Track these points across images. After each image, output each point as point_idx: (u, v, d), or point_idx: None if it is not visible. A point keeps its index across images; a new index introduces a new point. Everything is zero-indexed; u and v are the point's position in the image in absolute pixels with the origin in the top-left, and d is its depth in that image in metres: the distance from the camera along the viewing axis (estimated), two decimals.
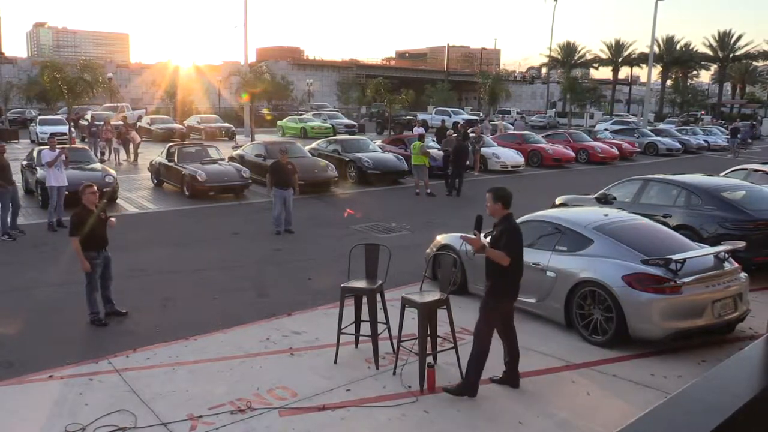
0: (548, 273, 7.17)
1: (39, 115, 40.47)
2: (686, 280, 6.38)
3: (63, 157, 13.13)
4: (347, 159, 19.93)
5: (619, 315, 6.46)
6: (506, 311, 5.78)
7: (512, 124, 42.68)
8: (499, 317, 5.70)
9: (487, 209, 5.70)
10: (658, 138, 32.59)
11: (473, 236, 5.52)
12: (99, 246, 7.54)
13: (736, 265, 7.06)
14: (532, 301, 7.31)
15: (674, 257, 6.49)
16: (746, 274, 7.12)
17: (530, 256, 6.88)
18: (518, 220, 8.10)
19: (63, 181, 12.92)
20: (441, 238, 8.82)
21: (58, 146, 13.83)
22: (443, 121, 40.56)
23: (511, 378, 5.80)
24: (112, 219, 7.90)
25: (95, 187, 7.79)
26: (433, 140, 25.32)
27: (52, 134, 17.25)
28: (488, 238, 5.75)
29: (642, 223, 7.85)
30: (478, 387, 5.57)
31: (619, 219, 7.77)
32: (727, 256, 7.03)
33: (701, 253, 6.93)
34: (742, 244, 7.33)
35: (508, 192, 5.74)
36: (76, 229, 7.36)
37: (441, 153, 20.00)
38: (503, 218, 5.63)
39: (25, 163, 17.27)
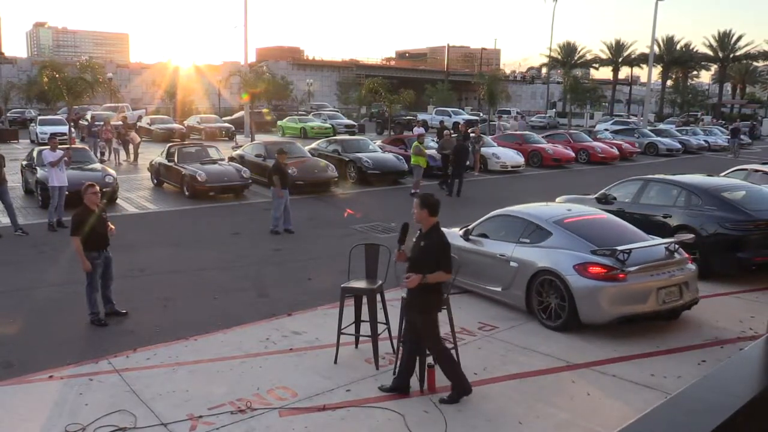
0: (512, 263, 7.67)
1: (39, 115, 40.46)
2: (632, 269, 6.80)
3: (66, 157, 13.17)
4: (347, 159, 19.93)
5: (571, 301, 6.93)
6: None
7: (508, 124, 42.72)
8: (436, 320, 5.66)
9: (414, 216, 5.59)
10: (659, 138, 32.59)
11: (411, 279, 5.37)
12: (100, 246, 7.54)
13: (686, 256, 7.49)
14: (498, 289, 7.85)
15: (620, 248, 6.90)
16: (695, 265, 7.55)
17: (497, 247, 7.89)
18: (489, 215, 8.76)
19: (64, 181, 12.94)
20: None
21: (60, 147, 13.85)
22: (442, 122, 40.57)
23: (403, 386, 5.66)
24: (112, 227, 7.85)
25: (97, 188, 7.78)
26: (434, 140, 25.34)
27: (53, 134, 17.02)
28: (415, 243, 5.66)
29: (601, 217, 8.29)
30: (468, 381, 5.57)
31: (580, 214, 8.23)
32: (676, 247, 7.42)
33: (647, 244, 7.32)
34: (690, 236, 8.01)
35: (435, 199, 5.63)
36: (77, 229, 7.35)
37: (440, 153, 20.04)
38: (431, 229, 5.50)
39: (25, 163, 17.25)
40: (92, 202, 7.55)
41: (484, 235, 8.37)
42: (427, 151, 18.95)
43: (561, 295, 7.06)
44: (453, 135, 21.21)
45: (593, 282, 6.80)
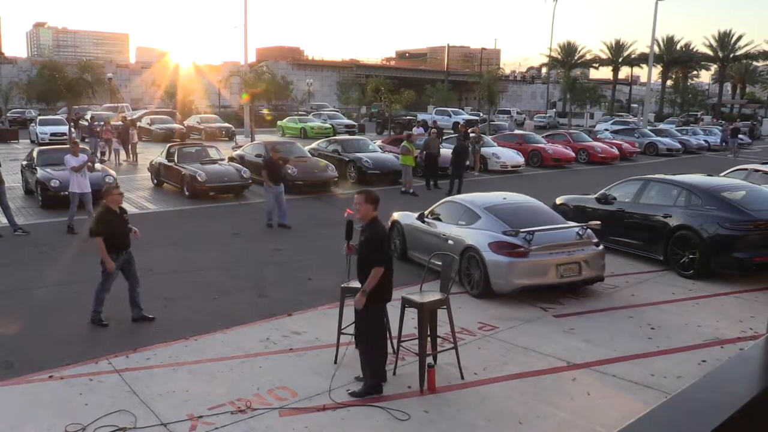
0: (449, 241, 8.90)
1: (39, 115, 40.46)
2: (534, 247, 8.00)
3: (89, 162, 12.88)
4: (347, 159, 19.93)
5: (485, 273, 8.17)
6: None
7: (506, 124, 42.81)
8: (384, 316, 5.79)
9: (358, 212, 5.68)
10: (658, 138, 32.57)
11: (357, 300, 5.49)
12: (120, 248, 7.44)
13: (594, 240, 8.57)
14: (440, 263, 8.52)
15: (523, 230, 8.11)
16: (600, 247, 8.60)
17: (442, 228, 9.35)
18: (440, 201, 10.04)
19: (86, 187, 12.44)
20: (396, 216, 10.68)
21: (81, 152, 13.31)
22: (435, 122, 40.57)
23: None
24: (136, 230, 7.83)
25: (120, 188, 7.84)
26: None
27: (74, 141, 15.74)
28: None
29: (529, 205, 9.54)
30: (380, 384, 5.64)
31: (510, 202, 9.52)
32: (583, 231, 8.51)
33: (551, 227, 8.53)
34: (597, 223, 8.84)
35: (377, 194, 5.88)
36: (100, 229, 7.27)
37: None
38: (370, 222, 5.63)
39: (25, 163, 17.26)
40: (115, 203, 7.49)
41: (438, 218, 9.67)
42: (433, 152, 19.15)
43: (479, 267, 8.26)
44: (434, 133, 21.74)
45: (501, 257, 8.03)
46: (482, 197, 9.93)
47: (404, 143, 18.68)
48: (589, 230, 8.59)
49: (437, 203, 10.17)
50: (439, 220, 9.62)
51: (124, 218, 7.61)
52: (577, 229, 8.55)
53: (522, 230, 8.12)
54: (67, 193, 14.68)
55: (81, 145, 15.05)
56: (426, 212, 9.99)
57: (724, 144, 34.35)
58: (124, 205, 8.10)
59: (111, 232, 7.30)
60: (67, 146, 21.08)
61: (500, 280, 8.07)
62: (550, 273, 8.02)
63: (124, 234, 7.50)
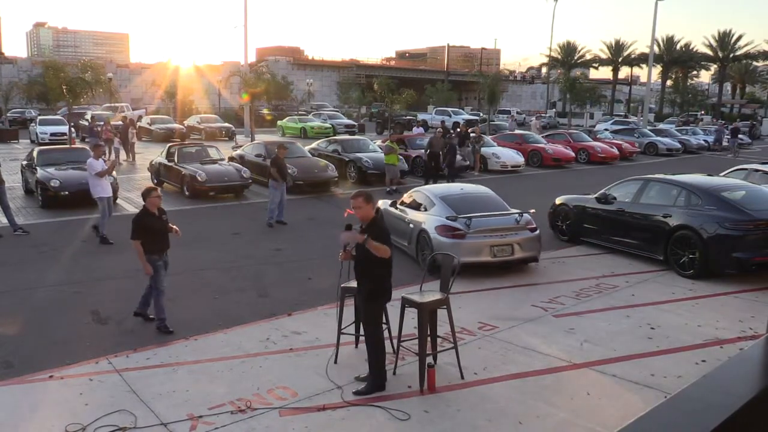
0: (410, 225, 10.35)
1: (39, 115, 40.45)
2: (471, 231, 9.29)
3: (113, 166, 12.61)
4: (347, 159, 19.94)
5: (432, 251, 9.15)
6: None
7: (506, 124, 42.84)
8: (383, 311, 5.85)
9: (358, 212, 5.70)
10: (658, 138, 32.57)
11: (354, 233, 5.62)
12: (162, 249, 7.57)
13: (530, 226, 9.68)
14: (406, 244, 10.43)
15: (461, 216, 9.42)
16: (537, 232, 9.71)
17: (408, 213, 10.60)
18: (411, 191, 11.36)
19: (110, 191, 12.17)
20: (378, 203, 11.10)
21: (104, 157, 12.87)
22: (442, 122, 40.56)
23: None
24: (176, 229, 7.90)
25: (159, 191, 7.88)
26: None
27: (97, 144, 14.90)
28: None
29: (480, 195, 10.82)
30: (385, 380, 5.69)
31: (465, 192, 10.89)
32: (520, 217, 9.67)
33: (487, 214, 9.72)
34: (532, 210, 10.08)
35: (372, 194, 6.10)
36: (138, 232, 7.34)
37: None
38: (372, 222, 5.69)
39: (25, 163, 17.26)
40: (154, 206, 7.57)
41: (408, 206, 10.83)
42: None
43: (429, 246, 9.54)
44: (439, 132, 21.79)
45: (444, 238, 9.32)
46: (442, 187, 11.73)
47: (387, 142, 18.83)
48: (526, 216, 9.73)
49: (407, 192, 11.43)
50: (410, 207, 10.82)
51: (164, 219, 7.68)
52: (515, 216, 9.68)
53: (461, 216, 9.38)
54: (66, 193, 14.70)
55: (81, 145, 14.99)
56: (398, 200, 11.42)
57: (717, 144, 34.27)
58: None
59: (151, 235, 7.39)
60: (67, 146, 21.07)
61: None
62: (484, 252, 9.30)
63: (164, 235, 7.61)
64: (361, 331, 6.51)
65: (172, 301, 8.41)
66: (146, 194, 7.68)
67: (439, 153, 19.42)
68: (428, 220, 9.82)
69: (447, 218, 9.51)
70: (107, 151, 24.31)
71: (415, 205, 10.64)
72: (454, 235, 9.30)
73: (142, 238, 7.33)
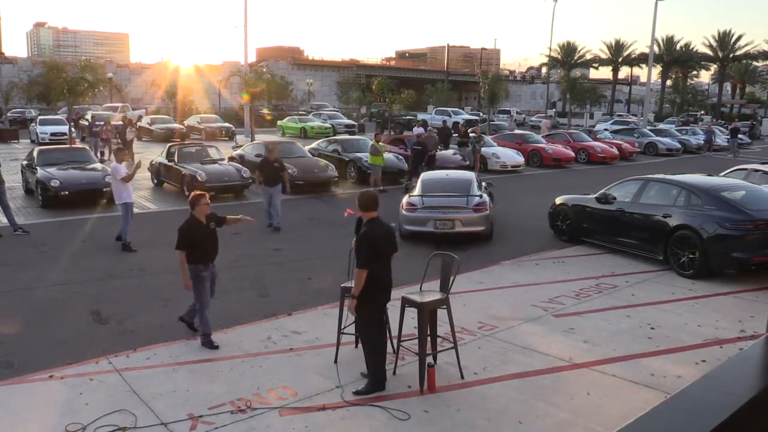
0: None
1: (39, 115, 40.44)
2: (422, 206, 11.59)
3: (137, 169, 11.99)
4: (347, 159, 19.93)
5: (398, 221, 11.30)
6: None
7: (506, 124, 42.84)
8: (380, 316, 5.80)
9: (358, 212, 5.84)
10: (658, 138, 32.56)
11: (349, 306, 5.70)
12: (208, 259, 6.95)
13: (476, 207, 11.51)
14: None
15: (419, 194, 11.90)
16: (478, 214, 11.44)
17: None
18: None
19: (133, 196, 11.85)
20: None
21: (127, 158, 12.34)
22: (444, 122, 40.64)
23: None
24: (245, 217, 7.80)
25: (208, 197, 7.23)
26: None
27: (119, 148, 14.55)
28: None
29: (454, 178, 12.78)
30: (384, 380, 5.68)
31: (446, 177, 13.03)
32: (469, 200, 11.61)
33: (439, 194, 11.88)
34: (485, 189, 12.48)
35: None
36: (184, 242, 6.81)
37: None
38: (367, 221, 5.76)
39: (25, 162, 17.26)
40: (202, 213, 7.00)
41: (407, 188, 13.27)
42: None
43: (398, 218, 11.57)
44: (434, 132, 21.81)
45: (403, 211, 11.79)
46: (431, 173, 13.85)
47: (372, 143, 18.72)
48: (476, 199, 11.61)
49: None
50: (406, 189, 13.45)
51: (212, 228, 7.08)
52: (465, 199, 11.61)
53: (423, 195, 11.81)
54: (67, 193, 14.69)
55: (81, 145, 14.97)
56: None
57: (707, 144, 34.20)
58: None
59: (197, 244, 6.84)
60: (68, 146, 21.03)
61: (403, 226, 11.60)
62: (429, 224, 11.44)
63: (212, 245, 7.03)
64: None
65: (173, 301, 8.42)
66: (195, 202, 7.03)
67: (425, 151, 19.25)
68: (405, 199, 12.18)
69: (410, 196, 12.05)
70: (107, 151, 24.42)
71: (411, 188, 12.94)
72: (408, 209, 11.72)
73: (187, 249, 6.81)
